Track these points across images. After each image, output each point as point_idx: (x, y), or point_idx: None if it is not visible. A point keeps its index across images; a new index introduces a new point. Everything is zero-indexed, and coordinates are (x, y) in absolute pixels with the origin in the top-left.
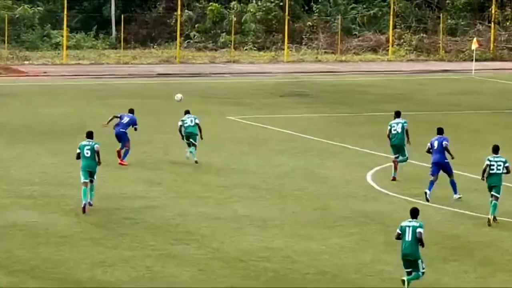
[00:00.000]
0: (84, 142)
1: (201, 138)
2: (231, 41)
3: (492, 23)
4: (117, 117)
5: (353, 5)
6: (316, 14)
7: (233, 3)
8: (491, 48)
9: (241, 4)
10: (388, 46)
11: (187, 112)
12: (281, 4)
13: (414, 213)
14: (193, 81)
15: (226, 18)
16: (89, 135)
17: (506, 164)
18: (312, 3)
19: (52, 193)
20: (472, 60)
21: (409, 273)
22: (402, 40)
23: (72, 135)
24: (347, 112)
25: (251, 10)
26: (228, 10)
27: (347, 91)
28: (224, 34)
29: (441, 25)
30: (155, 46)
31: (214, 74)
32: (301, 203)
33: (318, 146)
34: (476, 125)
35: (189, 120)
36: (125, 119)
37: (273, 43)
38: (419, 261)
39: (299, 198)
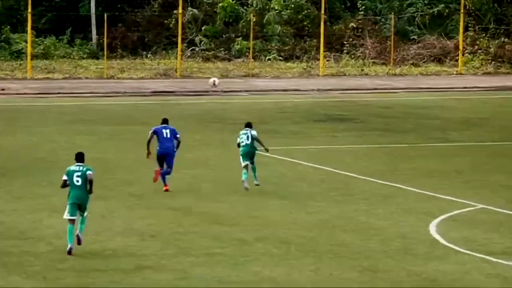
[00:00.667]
0: (73, 167)
1: (266, 150)
2: (249, 49)
3: None
4: (154, 134)
5: (411, 1)
6: (362, 12)
7: None
8: None
9: (263, 1)
10: (458, 55)
11: (247, 125)
12: None
13: None
14: (198, 101)
15: (242, 18)
16: (80, 157)
17: None
18: None
19: (12, 249)
20: None
21: None
22: (476, 47)
23: (39, 172)
24: (404, 143)
25: (276, 7)
26: (245, 7)
27: (403, 114)
28: (240, 39)
29: None
30: (149, 55)
31: (226, 93)
32: (342, 262)
33: (365, 187)
34: None
35: (245, 137)
36: (166, 133)
37: (304, 51)
38: None
39: (339, 256)
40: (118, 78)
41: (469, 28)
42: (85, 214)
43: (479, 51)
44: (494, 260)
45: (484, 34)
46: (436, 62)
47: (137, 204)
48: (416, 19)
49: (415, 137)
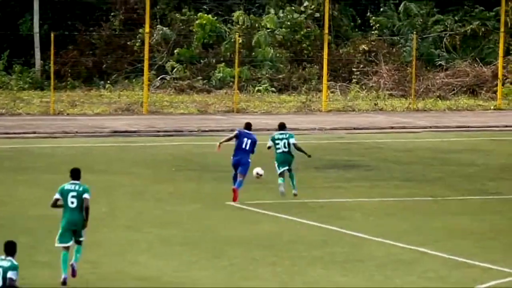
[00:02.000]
0: (67, 186)
1: (309, 156)
2: (233, 78)
3: None
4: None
5: (438, 16)
6: (376, 32)
7: (237, 13)
8: None
9: (251, 16)
10: (496, 85)
11: (281, 126)
12: (318, 15)
13: None
14: (170, 143)
15: (225, 40)
16: (75, 174)
17: None
18: (369, 14)
19: None
20: None
21: None
22: None
23: None
24: (428, 195)
25: (268, 25)
26: (229, 26)
27: (426, 160)
28: (222, 65)
29: None
30: (107, 86)
31: (205, 132)
32: None
33: (379, 252)
34: None
35: (282, 143)
36: (246, 142)
37: (303, 80)
38: None
39: None
40: (68, 115)
41: (511, 52)
42: (82, 239)
43: None
44: None
45: None
46: (469, 94)
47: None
48: (444, 40)
49: (442, 189)
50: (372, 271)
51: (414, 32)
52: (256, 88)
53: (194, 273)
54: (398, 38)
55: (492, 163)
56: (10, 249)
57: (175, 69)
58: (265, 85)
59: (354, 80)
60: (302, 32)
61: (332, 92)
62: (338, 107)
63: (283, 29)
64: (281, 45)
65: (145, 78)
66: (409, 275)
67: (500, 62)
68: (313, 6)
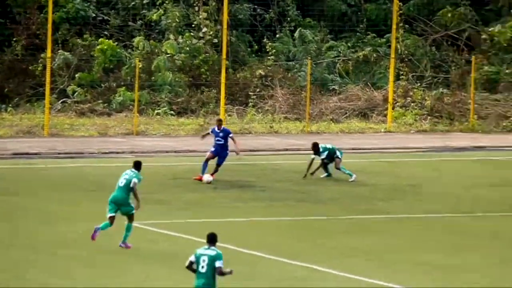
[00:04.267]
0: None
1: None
2: (133, 101)
3: None
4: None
5: (331, 42)
6: (272, 57)
7: (137, 39)
8: None
9: (151, 42)
10: (387, 109)
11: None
12: (215, 41)
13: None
14: (70, 165)
15: (126, 64)
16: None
17: None
18: (264, 40)
19: None
20: None
21: None
22: (409, 99)
23: None
24: (322, 215)
25: (167, 50)
26: (129, 51)
27: (320, 181)
28: (122, 89)
29: (472, 74)
30: (9, 109)
31: (105, 154)
32: None
33: (275, 270)
34: None
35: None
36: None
37: (202, 104)
38: None
39: None
40: None
41: (401, 77)
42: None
43: (412, 104)
44: None
45: (419, 84)
46: (361, 117)
47: None
48: (338, 65)
49: (335, 209)
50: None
51: (309, 58)
52: (156, 111)
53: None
54: (293, 64)
55: (383, 184)
56: (213, 239)
57: (76, 93)
58: (164, 108)
59: (250, 103)
60: (200, 57)
61: (229, 115)
62: (235, 129)
63: (182, 54)
64: (180, 70)
65: (46, 101)
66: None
67: (390, 86)
68: (211, 32)
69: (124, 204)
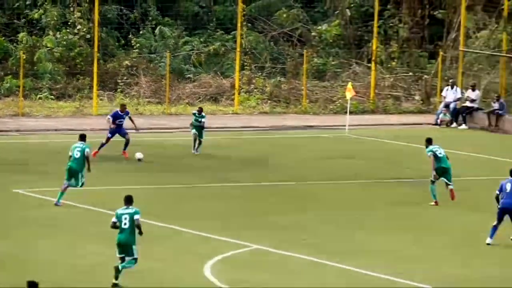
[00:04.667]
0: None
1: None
2: (19, 87)
3: (373, 63)
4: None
5: (187, 38)
6: (137, 50)
7: (21, 34)
8: (371, 97)
9: (33, 37)
10: (234, 94)
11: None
12: (88, 36)
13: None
14: None
15: (12, 56)
16: (128, 201)
17: None
18: (130, 36)
19: None
20: (346, 112)
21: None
22: (252, 86)
23: None
24: (179, 183)
25: (47, 44)
26: (15, 44)
27: (179, 154)
28: (9, 77)
29: (304, 65)
30: None
31: None
32: None
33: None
34: (349, 200)
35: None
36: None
37: (77, 89)
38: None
39: None
40: None
41: (245, 67)
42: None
43: (255, 90)
44: None
45: (260, 73)
46: (212, 101)
47: None
48: (192, 57)
49: (193, 178)
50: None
51: (168, 51)
52: (38, 96)
53: None
54: (155, 56)
55: (233, 157)
56: (130, 199)
57: None
58: (45, 94)
59: (119, 89)
60: (76, 50)
61: (101, 99)
62: (106, 112)
63: (60, 48)
64: (59, 61)
65: None
66: (165, 247)
67: (236, 75)
68: (84, 29)
69: (80, 171)
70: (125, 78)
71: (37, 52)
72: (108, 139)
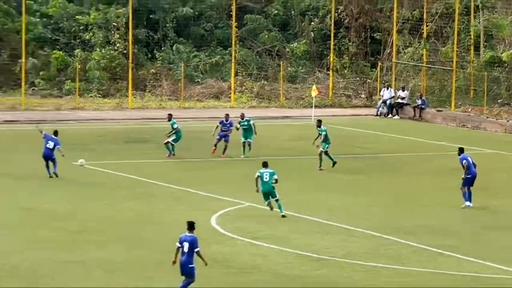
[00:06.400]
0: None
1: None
2: (75, 88)
3: (331, 70)
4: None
5: (196, 53)
6: (160, 62)
7: (77, 50)
8: (330, 95)
9: (85, 52)
10: (230, 93)
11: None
12: (125, 52)
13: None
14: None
15: (70, 66)
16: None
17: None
18: (155, 51)
19: None
20: (312, 106)
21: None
22: (244, 87)
23: None
24: (191, 158)
25: (95, 57)
26: (72, 57)
27: (190, 137)
28: (69, 81)
29: (281, 72)
30: (0, 93)
31: (59, 121)
32: (148, 246)
33: (163, 191)
34: (311, 170)
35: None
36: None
37: (117, 90)
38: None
39: (147, 241)
40: None
41: (238, 74)
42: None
43: (246, 90)
44: (258, 243)
45: (249, 78)
46: (214, 98)
47: None
48: (200, 66)
49: (200, 154)
50: (159, 203)
51: (182, 62)
52: (89, 95)
53: (51, 205)
54: (173, 66)
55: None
56: (265, 164)
57: (40, 83)
58: (94, 93)
59: (147, 90)
60: (116, 62)
61: (134, 97)
62: (138, 106)
63: (105, 60)
64: (104, 69)
65: (22, 89)
66: (182, 204)
67: (232, 80)
68: (122, 47)
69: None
70: (151, 81)
71: (88, 63)
72: (217, 140)
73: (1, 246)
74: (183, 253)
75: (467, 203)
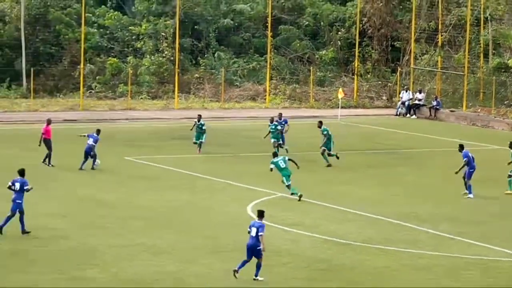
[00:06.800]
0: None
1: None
2: (128, 91)
3: (355, 75)
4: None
5: (235, 59)
6: (203, 67)
7: (129, 57)
8: (355, 97)
9: (137, 59)
10: (266, 95)
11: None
12: (172, 58)
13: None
14: (94, 126)
15: (123, 71)
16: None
17: None
18: (199, 58)
19: None
20: (338, 107)
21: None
22: (277, 90)
23: None
24: (230, 153)
25: (146, 64)
26: (125, 64)
27: (230, 134)
28: (121, 85)
29: (311, 77)
30: (61, 96)
31: (113, 120)
32: (191, 232)
33: (205, 183)
34: (336, 165)
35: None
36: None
37: (164, 92)
38: None
39: (189, 228)
40: (40, 111)
41: (273, 78)
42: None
43: (279, 93)
44: (288, 229)
45: (282, 82)
46: (251, 100)
47: (55, 195)
48: (239, 72)
49: (238, 149)
50: (201, 193)
51: (223, 68)
52: (140, 97)
53: (103, 196)
54: (215, 71)
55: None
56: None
57: (97, 87)
58: (144, 95)
59: (192, 92)
60: (164, 68)
61: (180, 98)
62: (183, 107)
63: (154, 66)
64: (153, 74)
65: (81, 91)
66: (221, 195)
67: (267, 83)
68: (169, 54)
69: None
70: (195, 85)
71: (139, 68)
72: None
73: (61, 231)
74: (251, 237)
75: (471, 195)
